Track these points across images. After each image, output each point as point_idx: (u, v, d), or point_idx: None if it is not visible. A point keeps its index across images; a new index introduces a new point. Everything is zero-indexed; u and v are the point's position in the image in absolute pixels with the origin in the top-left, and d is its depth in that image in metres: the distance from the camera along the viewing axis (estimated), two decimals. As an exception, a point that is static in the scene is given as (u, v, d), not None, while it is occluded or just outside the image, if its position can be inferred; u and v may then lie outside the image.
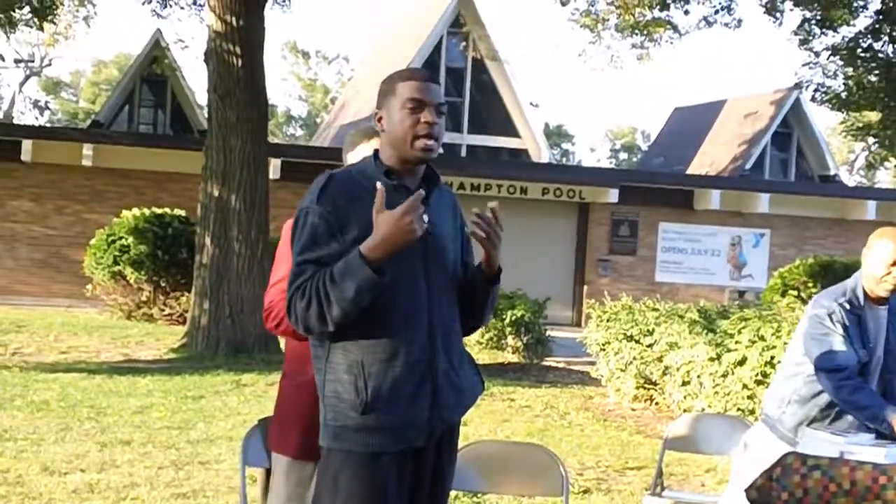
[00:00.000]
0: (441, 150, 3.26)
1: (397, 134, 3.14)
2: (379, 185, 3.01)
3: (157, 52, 31.88)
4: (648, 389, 11.47)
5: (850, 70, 19.78)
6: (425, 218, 3.02)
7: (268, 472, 4.27)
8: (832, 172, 33.44)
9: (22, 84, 55.85)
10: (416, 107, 3.13)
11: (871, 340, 4.43)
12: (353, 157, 3.72)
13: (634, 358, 11.30)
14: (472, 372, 3.33)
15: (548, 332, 15.19)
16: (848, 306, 4.43)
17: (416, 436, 3.12)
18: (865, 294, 4.46)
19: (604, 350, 12.06)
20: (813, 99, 20.98)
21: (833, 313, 4.41)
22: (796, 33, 19.96)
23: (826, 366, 4.41)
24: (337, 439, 3.09)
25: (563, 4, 19.88)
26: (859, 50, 19.39)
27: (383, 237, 2.97)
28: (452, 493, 3.67)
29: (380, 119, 3.21)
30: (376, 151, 3.25)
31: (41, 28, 24.34)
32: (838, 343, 4.39)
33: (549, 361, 15.23)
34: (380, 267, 2.98)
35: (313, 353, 3.19)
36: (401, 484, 3.10)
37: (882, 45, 19.42)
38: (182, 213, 19.50)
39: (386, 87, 3.21)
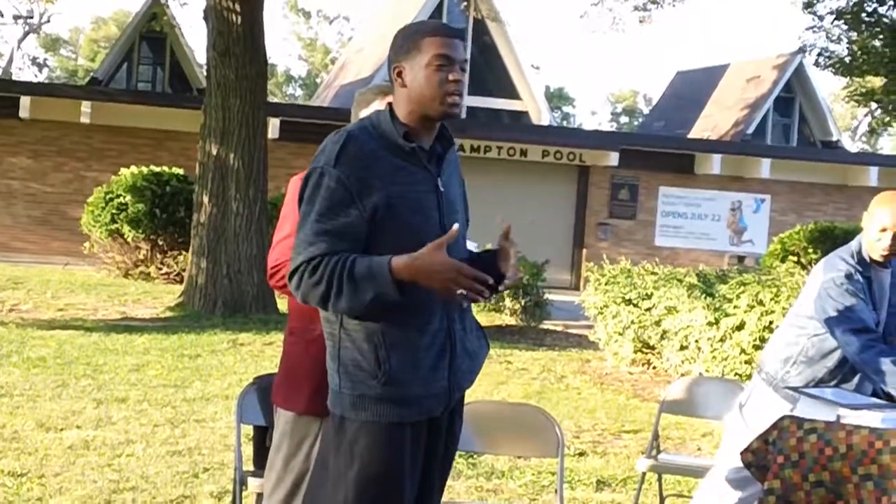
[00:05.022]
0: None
1: (423, 91, 3.00)
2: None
3: (156, 9, 31.64)
4: (646, 353, 11.46)
5: (854, 34, 19.64)
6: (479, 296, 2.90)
7: (261, 430, 4.26)
8: (834, 138, 33.28)
9: (20, 41, 55.56)
10: (444, 64, 2.99)
11: (877, 302, 4.40)
12: (365, 114, 3.55)
13: (632, 322, 11.28)
14: (479, 335, 3.29)
15: (546, 295, 15.19)
16: (860, 268, 4.39)
17: (435, 405, 3.08)
18: (870, 256, 4.44)
19: (602, 314, 12.04)
20: (816, 64, 20.87)
21: (851, 274, 4.35)
22: (801, -4, 19.85)
23: (853, 325, 4.31)
24: (355, 408, 3.00)
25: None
26: (864, 14, 19.24)
27: (421, 273, 2.86)
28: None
29: (399, 73, 3.05)
30: (391, 106, 3.09)
31: (40, -17, 24.19)
32: (860, 303, 4.32)
33: (547, 324, 15.23)
34: (402, 286, 2.86)
35: (323, 316, 3.09)
36: (416, 450, 3.07)
37: (887, 10, 19.27)
38: (180, 171, 19.43)
39: (408, 41, 3.05)
